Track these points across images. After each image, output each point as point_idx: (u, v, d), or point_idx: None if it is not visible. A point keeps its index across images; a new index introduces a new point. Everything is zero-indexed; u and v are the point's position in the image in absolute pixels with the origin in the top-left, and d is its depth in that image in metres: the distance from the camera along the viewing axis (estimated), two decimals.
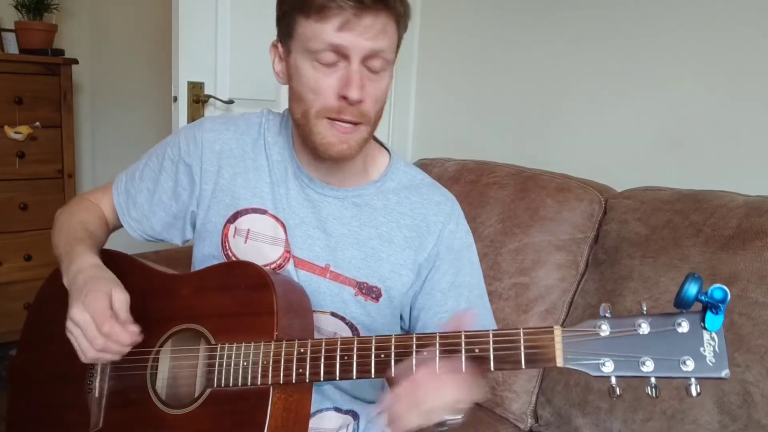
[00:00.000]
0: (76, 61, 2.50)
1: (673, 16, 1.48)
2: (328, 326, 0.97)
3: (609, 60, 1.61)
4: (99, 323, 0.80)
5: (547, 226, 1.42)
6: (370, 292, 0.96)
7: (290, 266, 0.95)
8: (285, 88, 0.93)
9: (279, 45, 0.90)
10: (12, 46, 2.52)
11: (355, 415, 1.04)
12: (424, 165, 1.81)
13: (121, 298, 0.83)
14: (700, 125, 1.45)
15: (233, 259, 0.97)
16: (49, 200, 2.43)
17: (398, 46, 0.88)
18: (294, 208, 0.97)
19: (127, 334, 0.82)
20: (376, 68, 0.84)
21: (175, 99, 1.83)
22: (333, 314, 0.97)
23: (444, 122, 2.10)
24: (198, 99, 1.84)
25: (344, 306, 0.96)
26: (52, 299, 0.94)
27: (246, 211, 0.97)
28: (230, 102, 1.88)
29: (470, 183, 1.61)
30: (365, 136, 0.88)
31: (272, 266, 0.96)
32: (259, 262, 0.94)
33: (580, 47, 1.67)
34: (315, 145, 0.88)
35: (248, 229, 0.97)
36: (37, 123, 2.40)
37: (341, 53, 0.82)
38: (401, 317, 1.04)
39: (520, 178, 1.54)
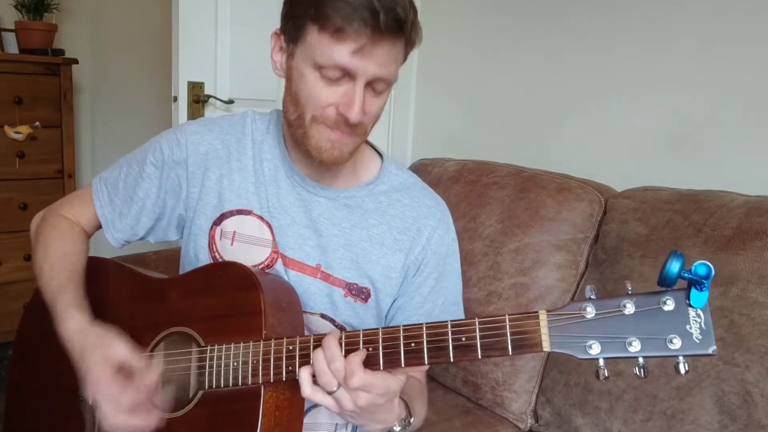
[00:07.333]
0: (76, 61, 2.50)
1: (673, 16, 1.48)
2: (317, 328, 0.97)
3: (609, 60, 1.61)
4: (118, 396, 0.77)
5: (547, 226, 1.42)
6: (360, 294, 0.96)
7: (279, 266, 0.95)
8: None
9: (282, 39, 0.88)
10: (12, 46, 2.52)
11: None
12: (424, 165, 1.81)
13: (119, 352, 0.80)
14: (700, 125, 1.45)
15: (220, 261, 0.97)
16: (49, 200, 2.37)
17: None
18: (285, 208, 0.96)
19: (148, 374, 0.80)
20: (379, 89, 0.84)
21: (175, 99, 1.83)
22: (323, 316, 0.96)
23: (444, 122, 2.10)
24: (198, 99, 1.84)
25: (334, 308, 0.96)
26: (42, 310, 0.93)
27: (231, 213, 0.97)
28: (230, 102, 1.88)
29: (470, 183, 1.61)
30: (358, 143, 0.89)
31: (260, 267, 0.95)
32: (247, 264, 0.93)
33: (580, 47, 1.67)
34: (308, 148, 0.88)
35: (234, 231, 0.96)
36: (37, 123, 2.41)
37: (349, 74, 0.81)
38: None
39: (520, 178, 1.54)
